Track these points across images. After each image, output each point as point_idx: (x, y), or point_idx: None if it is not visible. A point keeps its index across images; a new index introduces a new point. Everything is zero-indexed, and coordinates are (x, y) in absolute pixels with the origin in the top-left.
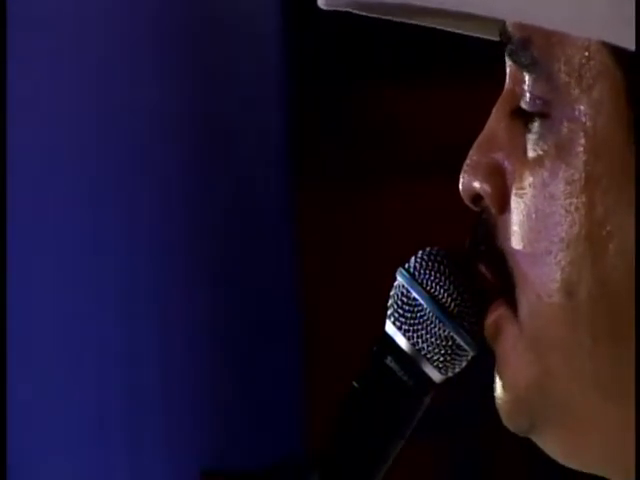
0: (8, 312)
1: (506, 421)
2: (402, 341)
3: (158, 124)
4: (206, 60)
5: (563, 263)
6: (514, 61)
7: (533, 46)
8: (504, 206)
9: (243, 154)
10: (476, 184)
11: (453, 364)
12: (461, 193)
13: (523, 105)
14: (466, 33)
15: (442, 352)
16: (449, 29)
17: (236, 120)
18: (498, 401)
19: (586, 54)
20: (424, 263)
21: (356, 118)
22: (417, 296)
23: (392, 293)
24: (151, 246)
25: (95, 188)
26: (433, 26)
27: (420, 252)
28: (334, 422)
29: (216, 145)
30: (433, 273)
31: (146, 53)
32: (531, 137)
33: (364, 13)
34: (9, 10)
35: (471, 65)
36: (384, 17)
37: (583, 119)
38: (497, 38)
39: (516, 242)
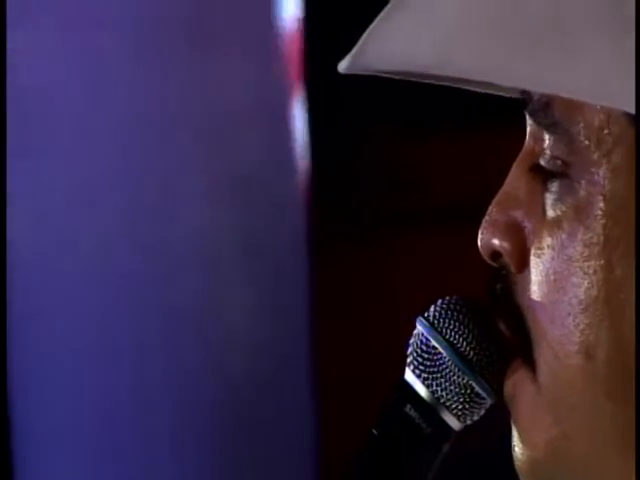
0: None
1: None
2: (421, 389)
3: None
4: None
5: (582, 326)
6: (535, 120)
7: (554, 108)
8: (523, 264)
9: (262, 197)
10: (495, 241)
11: (472, 412)
12: (480, 250)
13: (542, 163)
14: (488, 92)
15: (461, 400)
16: (469, 88)
17: (257, 161)
18: (517, 462)
19: (606, 119)
20: (443, 312)
21: (374, 167)
22: (436, 344)
23: (412, 341)
24: (160, 281)
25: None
26: (455, 86)
27: (440, 301)
28: (352, 469)
29: (236, 189)
30: (452, 322)
31: None
32: (550, 197)
33: (385, 75)
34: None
35: (488, 116)
36: (402, 78)
37: (602, 182)
38: (517, 96)
39: (535, 301)
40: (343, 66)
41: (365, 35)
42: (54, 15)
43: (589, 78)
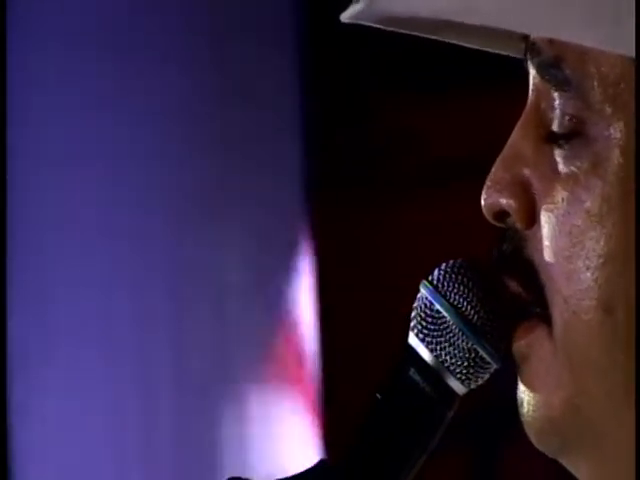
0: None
1: (536, 440)
2: (425, 353)
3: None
4: (229, 74)
5: (600, 280)
6: (543, 77)
7: (565, 64)
8: (531, 221)
9: (263, 165)
10: (502, 200)
11: (476, 377)
12: (484, 209)
13: (554, 125)
14: (491, 50)
15: (465, 364)
16: (473, 46)
17: (257, 133)
18: (528, 419)
19: (621, 72)
20: (447, 275)
21: (375, 130)
22: (440, 308)
23: (415, 305)
24: (168, 255)
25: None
26: (458, 43)
27: (444, 264)
28: (356, 433)
29: (237, 159)
30: (457, 285)
31: None
32: (563, 154)
33: (387, 28)
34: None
35: (490, 78)
36: (408, 32)
37: (618, 136)
38: (519, 55)
39: (549, 256)
40: (350, 13)
41: None
42: None
43: (608, 28)
